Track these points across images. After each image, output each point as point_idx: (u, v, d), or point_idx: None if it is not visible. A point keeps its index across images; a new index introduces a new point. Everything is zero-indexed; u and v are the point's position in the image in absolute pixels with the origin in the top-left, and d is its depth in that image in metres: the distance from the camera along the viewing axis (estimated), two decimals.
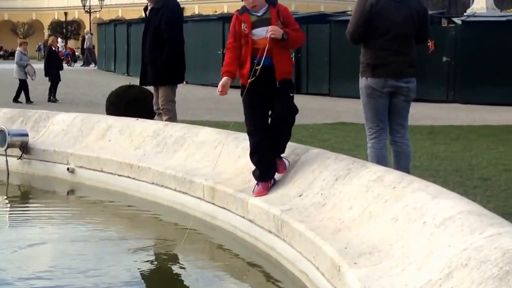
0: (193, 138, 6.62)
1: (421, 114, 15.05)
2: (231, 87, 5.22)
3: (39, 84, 18.98)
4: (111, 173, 6.93)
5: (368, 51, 6.07)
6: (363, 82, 6.10)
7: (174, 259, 5.10)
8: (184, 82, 10.43)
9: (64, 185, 7.37)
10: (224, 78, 5.15)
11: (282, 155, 5.31)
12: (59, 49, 20.07)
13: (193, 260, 4.98)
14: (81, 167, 7.31)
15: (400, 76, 6.02)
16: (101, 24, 40.63)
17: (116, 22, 36.75)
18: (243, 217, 5.18)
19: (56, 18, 67.49)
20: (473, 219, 3.33)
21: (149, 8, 8.57)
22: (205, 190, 5.71)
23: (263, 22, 5.11)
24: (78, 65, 42.50)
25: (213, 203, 5.61)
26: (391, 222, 3.83)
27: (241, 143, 5.88)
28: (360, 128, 9.67)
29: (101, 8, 55.07)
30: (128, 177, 6.73)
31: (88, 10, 54.81)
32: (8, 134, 7.79)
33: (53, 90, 18.50)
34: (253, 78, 5.02)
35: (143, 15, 8.93)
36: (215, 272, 4.73)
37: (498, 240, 3.00)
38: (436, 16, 25.52)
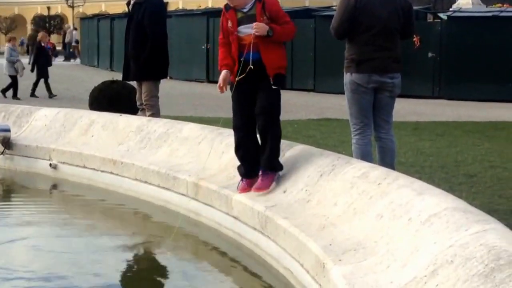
0: (177, 134, 6.57)
1: (406, 110, 15.08)
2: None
3: (23, 80, 18.84)
4: (94, 169, 6.87)
5: (353, 47, 6.05)
6: (347, 77, 6.08)
7: (158, 255, 5.06)
8: (168, 78, 10.38)
9: (47, 181, 7.30)
10: (223, 72, 5.03)
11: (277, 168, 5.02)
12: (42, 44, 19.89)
13: (177, 257, 4.95)
14: (63, 163, 7.24)
15: (384, 72, 6.00)
16: (84, 19, 40.43)
17: (99, 17, 36.57)
18: (227, 213, 5.15)
19: (39, 12, 67.08)
20: (459, 216, 3.31)
21: (132, 2, 8.51)
22: (188, 186, 5.67)
23: (249, 18, 4.98)
24: (59, 60, 42.23)
25: (196, 200, 5.57)
26: (376, 219, 3.81)
27: (226, 139, 5.84)
28: (345, 124, 9.67)
29: (84, 2, 54.91)
30: (111, 173, 6.67)
31: (71, 5, 54.53)
32: None
33: (45, 86, 18.51)
34: (241, 76, 4.93)
35: (126, 9, 8.87)
36: (199, 269, 4.69)
37: (484, 237, 2.99)
38: (422, 11, 25.62)
